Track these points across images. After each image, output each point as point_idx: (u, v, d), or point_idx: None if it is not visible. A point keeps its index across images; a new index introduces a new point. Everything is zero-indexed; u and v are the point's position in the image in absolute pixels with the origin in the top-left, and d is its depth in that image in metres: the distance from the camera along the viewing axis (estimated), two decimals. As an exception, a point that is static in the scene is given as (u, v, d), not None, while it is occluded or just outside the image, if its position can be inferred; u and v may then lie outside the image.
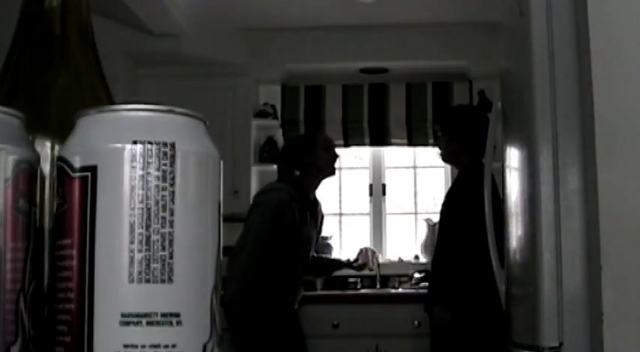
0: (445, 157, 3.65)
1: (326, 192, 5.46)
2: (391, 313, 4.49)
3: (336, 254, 5.28)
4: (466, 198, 3.29)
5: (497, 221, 2.65)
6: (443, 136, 3.62)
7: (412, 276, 5.01)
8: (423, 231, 5.20)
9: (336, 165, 3.62)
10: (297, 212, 3.37)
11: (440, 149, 3.68)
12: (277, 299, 3.43)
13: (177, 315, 0.44)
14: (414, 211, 5.53)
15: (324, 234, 5.17)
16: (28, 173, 0.47)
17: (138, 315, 0.43)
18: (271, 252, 3.32)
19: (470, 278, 3.24)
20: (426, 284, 4.22)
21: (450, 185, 4.10)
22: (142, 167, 0.44)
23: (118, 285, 0.43)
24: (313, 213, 3.54)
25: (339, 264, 4.17)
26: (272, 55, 5.04)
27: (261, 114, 5.12)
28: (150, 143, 0.45)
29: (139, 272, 0.43)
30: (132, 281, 0.43)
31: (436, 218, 3.98)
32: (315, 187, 3.54)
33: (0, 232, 0.45)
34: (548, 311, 2.05)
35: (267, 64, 5.05)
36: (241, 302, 3.31)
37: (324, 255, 4.68)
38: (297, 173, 3.49)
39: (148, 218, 0.44)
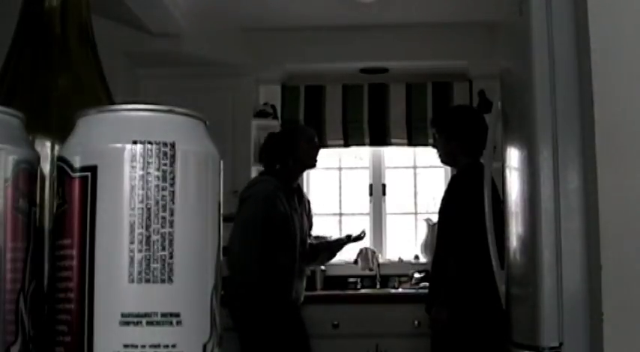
0: (444, 159, 3.64)
1: (326, 192, 5.47)
2: (391, 313, 4.49)
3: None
4: (464, 196, 3.29)
5: (498, 221, 2.65)
6: (440, 138, 3.61)
7: (412, 276, 5.01)
8: (423, 231, 5.20)
9: (318, 156, 3.69)
10: (284, 200, 3.45)
11: (438, 151, 3.66)
12: (281, 291, 3.44)
13: (177, 315, 0.44)
14: (414, 211, 5.52)
15: (323, 233, 5.18)
16: (28, 173, 0.47)
17: (138, 315, 0.43)
18: (268, 242, 3.35)
19: (469, 278, 3.24)
20: (427, 284, 4.22)
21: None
22: (142, 167, 0.44)
23: (118, 285, 0.43)
24: (300, 199, 3.62)
25: (340, 243, 4.11)
26: (272, 55, 5.04)
27: (261, 114, 5.12)
28: (150, 143, 0.45)
29: (139, 273, 0.44)
30: (132, 281, 0.43)
31: (436, 218, 3.98)
32: (297, 178, 3.65)
33: (0, 232, 0.45)
34: (548, 311, 2.05)
35: (267, 64, 5.05)
36: (245, 295, 3.32)
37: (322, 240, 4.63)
38: (279, 165, 3.58)
39: (148, 218, 0.44)
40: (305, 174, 5.36)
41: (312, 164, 3.65)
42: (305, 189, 5.32)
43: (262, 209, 3.37)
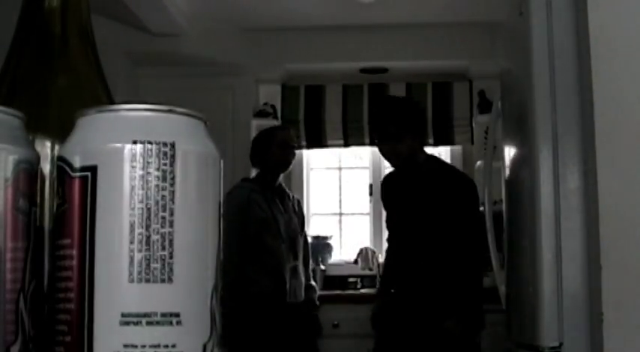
0: (402, 160, 3.16)
1: (326, 192, 5.47)
2: (391, 313, 4.48)
3: (336, 254, 5.29)
4: (445, 198, 3.14)
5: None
6: (405, 135, 3.10)
7: (412, 276, 5.01)
8: (423, 231, 5.19)
9: (294, 158, 3.73)
10: (263, 204, 3.53)
11: (393, 154, 3.17)
12: (272, 292, 3.45)
13: (177, 315, 0.44)
14: (414, 211, 5.52)
15: (323, 233, 5.18)
16: (28, 173, 0.47)
17: (138, 315, 0.43)
18: (247, 246, 3.38)
19: (458, 276, 3.22)
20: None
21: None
22: (141, 167, 0.44)
23: (118, 285, 0.43)
24: (282, 200, 3.66)
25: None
26: (272, 55, 5.04)
27: (261, 114, 5.12)
28: (150, 143, 0.45)
29: (139, 272, 0.43)
30: (132, 281, 0.43)
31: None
32: (275, 180, 3.70)
33: (0, 232, 0.45)
34: (548, 311, 2.05)
35: (267, 64, 5.04)
36: (229, 299, 3.33)
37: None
38: (257, 168, 3.72)
39: (148, 218, 0.44)
40: (305, 173, 5.37)
41: (284, 168, 3.70)
42: (304, 189, 5.32)
43: (233, 218, 3.39)
